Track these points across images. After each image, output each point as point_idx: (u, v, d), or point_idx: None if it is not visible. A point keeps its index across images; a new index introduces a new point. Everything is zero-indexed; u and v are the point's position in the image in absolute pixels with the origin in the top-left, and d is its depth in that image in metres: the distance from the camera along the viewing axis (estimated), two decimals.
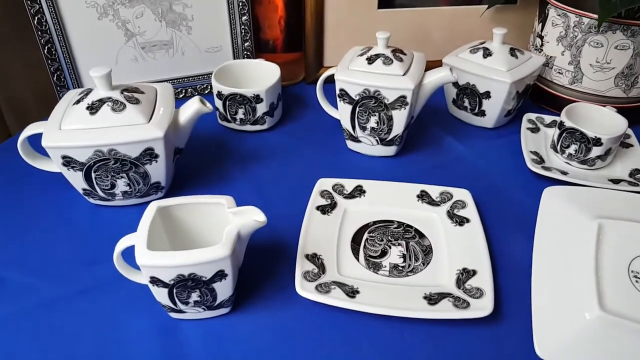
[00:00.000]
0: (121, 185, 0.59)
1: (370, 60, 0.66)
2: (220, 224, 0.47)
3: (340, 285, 0.50)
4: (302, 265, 0.51)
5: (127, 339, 0.47)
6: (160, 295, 0.44)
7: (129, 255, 0.44)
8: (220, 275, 0.43)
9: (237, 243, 0.44)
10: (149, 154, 0.57)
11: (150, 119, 0.57)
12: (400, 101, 0.65)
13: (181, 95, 0.85)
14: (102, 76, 0.57)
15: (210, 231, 0.49)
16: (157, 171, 0.59)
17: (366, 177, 0.66)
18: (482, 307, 0.48)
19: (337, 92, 0.68)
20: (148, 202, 0.49)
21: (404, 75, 0.65)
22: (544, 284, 0.50)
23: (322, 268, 0.52)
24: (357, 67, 0.66)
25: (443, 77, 0.66)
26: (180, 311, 0.47)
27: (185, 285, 0.43)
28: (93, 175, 0.57)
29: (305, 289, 0.48)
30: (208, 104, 0.61)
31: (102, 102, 0.57)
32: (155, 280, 0.43)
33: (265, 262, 0.55)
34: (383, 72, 0.65)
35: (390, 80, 0.64)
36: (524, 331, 0.48)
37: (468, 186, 0.64)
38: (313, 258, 0.53)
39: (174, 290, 0.44)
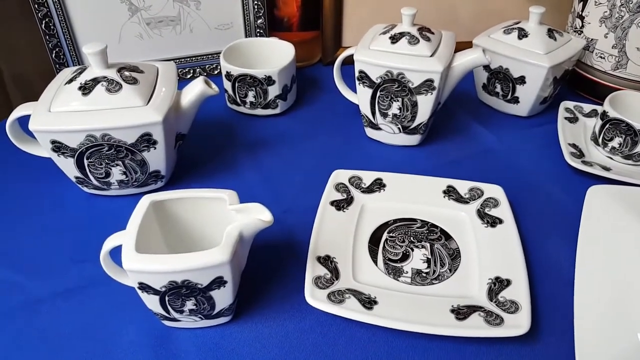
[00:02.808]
0: (117, 173, 0.54)
1: (394, 39, 0.59)
2: (221, 221, 0.42)
3: (356, 293, 0.44)
4: (313, 270, 0.46)
5: (114, 347, 0.42)
6: (151, 302, 0.39)
7: (119, 253, 0.39)
8: (218, 282, 0.38)
9: (238, 245, 0.38)
10: (146, 140, 0.51)
11: (149, 101, 0.51)
12: (427, 85, 0.58)
13: (188, 76, 0.79)
14: (97, 53, 0.51)
15: (211, 230, 0.44)
16: (156, 159, 0.53)
17: (386, 168, 0.59)
18: (518, 325, 0.41)
19: (356, 74, 0.61)
20: (147, 192, 0.44)
21: (431, 56, 0.58)
22: (589, 298, 0.44)
23: (335, 273, 0.46)
24: (378, 47, 0.59)
25: (475, 59, 0.59)
26: (174, 319, 0.41)
27: (178, 292, 0.38)
28: (85, 162, 0.52)
29: (315, 298, 0.43)
30: (214, 86, 0.55)
31: (96, 81, 0.51)
32: (144, 287, 0.37)
33: (272, 264, 0.49)
34: (408, 52, 0.58)
35: (416, 62, 0.57)
36: (566, 352, 0.42)
37: (499, 181, 0.57)
38: (326, 261, 0.47)
39: (166, 298, 0.39)
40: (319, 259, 0.47)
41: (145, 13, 0.74)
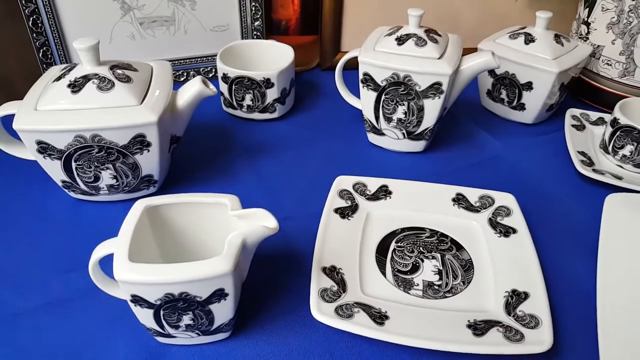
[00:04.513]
0: (106, 177, 0.50)
1: (401, 40, 0.57)
2: (221, 229, 0.39)
3: (366, 307, 0.41)
4: (318, 281, 0.43)
5: None
6: (144, 317, 0.36)
7: (109, 263, 0.35)
8: (219, 295, 0.35)
9: (241, 255, 0.35)
10: (139, 142, 0.48)
11: (143, 100, 0.48)
12: (435, 89, 0.56)
13: (182, 78, 0.76)
14: (88, 48, 0.48)
15: (210, 238, 0.41)
16: (149, 162, 0.50)
17: (390, 175, 0.57)
18: (539, 341, 0.39)
19: (361, 76, 0.58)
20: (138, 198, 0.41)
21: (439, 58, 0.56)
22: (613, 313, 0.41)
23: (342, 285, 0.43)
24: (384, 48, 0.57)
25: (485, 62, 0.57)
26: (169, 335, 0.38)
27: (175, 306, 0.35)
28: (73, 165, 0.49)
29: (322, 312, 0.40)
30: (211, 86, 0.52)
31: (86, 79, 0.48)
32: (137, 300, 0.34)
33: (273, 276, 0.46)
34: (415, 54, 0.56)
35: (424, 64, 0.55)
36: None
37: (508, 190, 0.55)
38: (331, 272, 0.44)
39: (161, 312, 0.35)
40: (324, 269, 0.44)
41: (138, 12, 0.71)
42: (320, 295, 0.41)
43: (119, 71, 0.49)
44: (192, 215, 0.40)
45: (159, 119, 0.47)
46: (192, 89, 0.51)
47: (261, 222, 0.36)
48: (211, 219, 0.40)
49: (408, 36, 0.57)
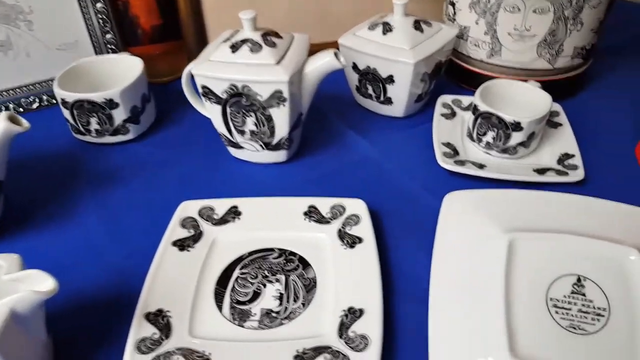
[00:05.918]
0: None
1: (235, 47, 0.53)
2: (4, 294, 0.34)
3: (188, 353, 0.38)
4: (137, 330, 0.39)
5: None
6: None
7: None
8: None
9: (12, 326, 0.31)
10: None
11: None
12: (277, 97, 0.52)
13: (34, 106, 0.70)
14: None
15: None
16: None
17: (255, 190, 0.54)
18: None
19: (200, 90, 0.54)
20: None
21: (276, 64, 0.52)
22: (442, 321, 0.39)
23: (166, 330, 0.40)
24: (219, 58, 0.53)
25: (326, 63, 0.54)
26: None
27: None
28: None
29: None
30: (23, 122, 0.47)
31: None
32: None
33: (93, 328, 0.42)
34: (250, 61, 0.52)
35: (259, 72, 0.51)
36: None
37: (371, 193, 0.53)
38: (156, 317, 0.41)
39: None
40: (147, 315, 0.40)
41: None
42: (137, 346, 0.38)
43: None
44: None
45: None
46: None
47: (33, 287, 0.32)
48: None
49: (243, 42, 0.53)
